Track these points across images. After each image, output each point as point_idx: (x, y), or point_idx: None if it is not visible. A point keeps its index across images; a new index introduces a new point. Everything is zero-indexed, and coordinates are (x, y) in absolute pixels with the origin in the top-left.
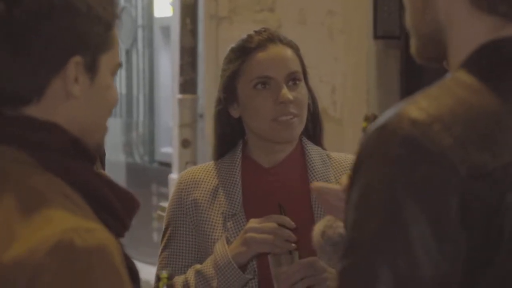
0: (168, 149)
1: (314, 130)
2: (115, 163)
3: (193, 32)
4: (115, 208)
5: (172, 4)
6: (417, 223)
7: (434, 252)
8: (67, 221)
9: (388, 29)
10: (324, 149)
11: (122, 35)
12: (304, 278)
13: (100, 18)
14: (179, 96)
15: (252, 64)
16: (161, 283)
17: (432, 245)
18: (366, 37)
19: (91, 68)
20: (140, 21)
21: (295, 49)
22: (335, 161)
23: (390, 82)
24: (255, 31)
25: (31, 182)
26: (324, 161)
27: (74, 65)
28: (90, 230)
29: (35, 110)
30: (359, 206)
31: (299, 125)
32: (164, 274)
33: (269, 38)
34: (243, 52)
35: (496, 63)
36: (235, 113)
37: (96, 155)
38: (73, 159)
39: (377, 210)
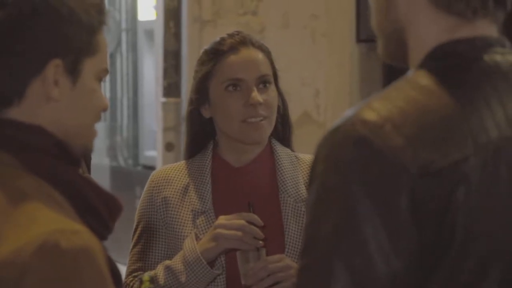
0: (152, 153)
1: (283, 132)
2: (100, 166)
3: (177, 36)
4: (99, 211)
5: (156, 7)
6: (371, 221)
7: (387, 250)
8: (52, 223)
9: (371, 32)
10: (293, 150)
11: (106, 38)
12: (271, 274)
13: (83, 23)
14: (163, 99)
15: (223, 66)
16: (143, 286)
17: (385, 243)
18: (349, 40)
19: (73, 72)
20: (124, 25)
21: (266, 53)
22: (303, 162)
23: (373, 85)
24: (228, 34)
25: (16, 184)
26: (292, 161)
27: (54, 68)
28: (76, 232)
29: (17, 112)
30: (315, 206)
31: (268, 127)
32: (146, 277)
33: (241, 41)
34: (215, 54)
35: (449, 65)
36: (206, 113)
37: (80, 158)
38: (57, 162)
39: (333, 210)
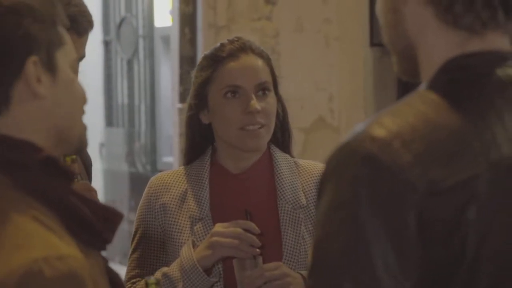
0: (170, 158)
1: (283, 138)
2: (118, 173)
3: (192, 41)
4: (90, 223)
5: (171, 13)
6: (379, 240)
7: (395, 270)
8: (37, 249)
9: None
10: (292, 156)
11: (123, 45)
12: (267, 282)
13: (44, 17)
14: (179, 105)
15: (223, 73)
16: None
17: (394, 263)
18: (362, 44)
19: (50, 66)
20: (141, 31)
21: (266, 59)
22: (303, 168)
23: (387, 89)
24: (228, 40)
25: (1, 205)
26: (291, 168)
27: (33, 65)
28: (61, 258)
29: (7, 120)
30: (323, 224)
31: (266, 135)
32: (152, 280)
33: (240, 47)
34: (215, 60)
35: (460, 80)
36: (205, 119)
37: (72, 173)
38: (47, 177)
39: (340, 228)
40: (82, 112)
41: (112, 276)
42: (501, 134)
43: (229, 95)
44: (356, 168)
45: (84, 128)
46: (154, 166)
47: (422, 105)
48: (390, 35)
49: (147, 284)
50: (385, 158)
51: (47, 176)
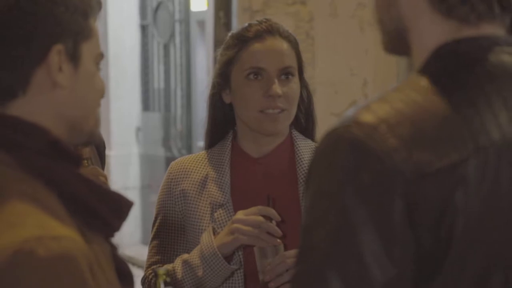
0: None
1: (306, 124)
2: (155, 157)
3: (227, 26)
4: (96, 209)
5: None
6: (365, 227)
7: (382, 257)
8: (31, 228)
9: None
10: (315, 142)
11: (160, 29)
12: (289, 269)
13: (77, 7)
14: None
15: (247, 54)
16: (159, 280)
17: (380, 250)
18: None
19: (74, 56)
20: (177, 16)
21: (293, 43)
22: None
23: None
24: (257, 21)
25: (1, 184)
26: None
27: (57, 54)
28: (56, 238)
29: (21, 105)
30: (310, 212)
31: (286, 120)
32: (162, 270)
33: (267, 29)
34: (240, 40)
35: (452, 65)
36: (227, 98)
37: (79, 157)
38: (53, 161)
39: (327, 215)
40: (98, 105)
41: (119, 264)
42: (491, 120)
43: (251, 76)
44: (341, 154)
45: (97, 121)
46: (189, 150)
47: (412, 92)
48: (380, 15)
49: (156, 274)
50: (371, 143)
51: (53, 158)
